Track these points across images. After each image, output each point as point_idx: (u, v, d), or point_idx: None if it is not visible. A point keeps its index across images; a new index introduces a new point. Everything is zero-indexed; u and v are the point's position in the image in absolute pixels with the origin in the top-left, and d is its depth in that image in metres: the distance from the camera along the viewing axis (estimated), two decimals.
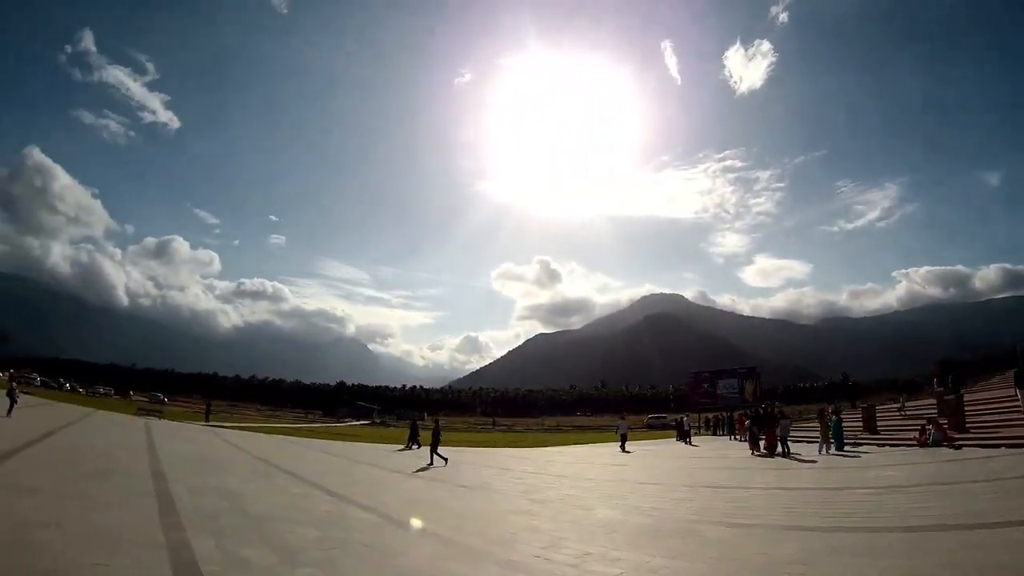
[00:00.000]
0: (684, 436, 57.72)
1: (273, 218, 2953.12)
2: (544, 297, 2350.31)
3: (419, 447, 42.45)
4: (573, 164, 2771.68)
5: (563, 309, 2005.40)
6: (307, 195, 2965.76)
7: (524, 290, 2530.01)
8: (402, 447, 45.52)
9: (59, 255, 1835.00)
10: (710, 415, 77.97)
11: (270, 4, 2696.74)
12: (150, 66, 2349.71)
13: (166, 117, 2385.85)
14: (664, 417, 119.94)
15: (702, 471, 31.48)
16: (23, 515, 11.88)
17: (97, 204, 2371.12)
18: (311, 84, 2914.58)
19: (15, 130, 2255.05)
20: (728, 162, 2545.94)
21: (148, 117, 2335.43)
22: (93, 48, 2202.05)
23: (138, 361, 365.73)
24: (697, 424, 72.33)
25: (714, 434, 69.73)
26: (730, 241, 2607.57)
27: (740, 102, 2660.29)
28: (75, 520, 12.13)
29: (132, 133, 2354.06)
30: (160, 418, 69.90)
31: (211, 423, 72.82)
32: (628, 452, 45.31)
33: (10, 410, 38.27)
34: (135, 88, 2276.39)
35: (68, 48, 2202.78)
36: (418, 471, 29.80)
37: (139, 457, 25.96)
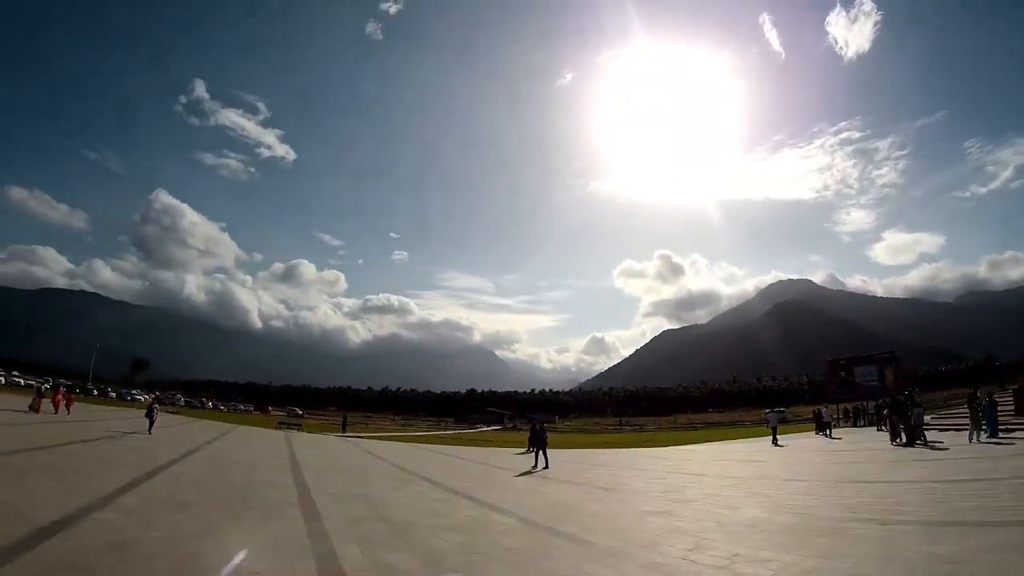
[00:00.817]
0: (823, 428, 55.65)
1: (393, 235, 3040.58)
2: (668, 292, 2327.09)
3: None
4: (685, 154, 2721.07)
5: (688, 303, 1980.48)
6: (424, 211, 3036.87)
7: (647, 287, 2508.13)
8: (522, 451, 45.65)
9: (194, 286, 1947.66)
10: (849, 405, 74.73)
11: (364, 32, 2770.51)
12: (260, 105, 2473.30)
13: (282, 151, 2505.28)
14: (783, 411, 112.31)
15: (846, 465, 29.95)
16: (175, 528, 12.35)
17: (225, 236, 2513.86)
18: (413, 103, 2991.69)
19: (143, 177, 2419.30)
20: (844, 134, 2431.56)
21: (265, 152, 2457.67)
22: (206, 95, 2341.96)
23: (274, 379, 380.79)
24: (836, 415, 69.27)
25: (854, 425, 66.99)
26: (855, 218, 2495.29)
27: (849, 69, 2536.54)
28: (225, 530, 12.57)
29: (252, 169, 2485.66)
30: (299, 431, 72.23)
31: (348, 434, 74.65)
32: (781, 446, 44.07)
33: (150, 428, 40.17)
34: (250, 127, 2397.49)
35: (183, 98, 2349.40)
36: (521, 474, 29.55)
37: (282, 469, 26.76)
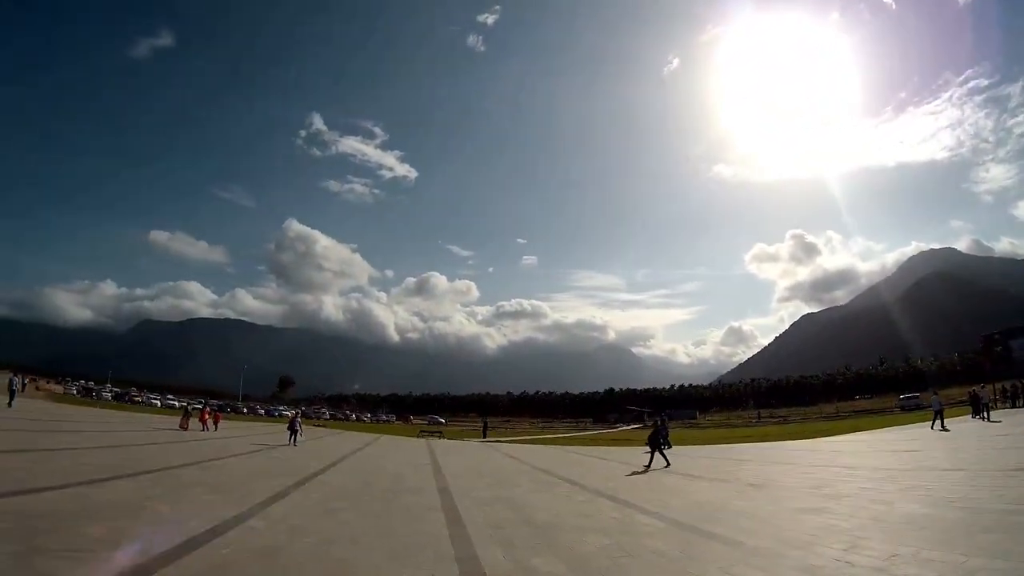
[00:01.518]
0: (980, 411, 51.79)
1: (521, 240, 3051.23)
2: (803, 274, 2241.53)
3: (668, 447, 41.45)
4: (806, 127, 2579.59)
5: (825, 284, 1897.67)
6: (549, 214, 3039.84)
7: (781, 270, 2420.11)
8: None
9: (332, 306, 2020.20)
10: (1007, 384, 66.99)
11: (466, 46, 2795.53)
12: (376, 130, 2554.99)
13: (403, 170, 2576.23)
14: (917, 397, 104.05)
15: (1007, 451, 27.45)
16: (326, 533, 12.72)
17: (357, 257, 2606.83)
18: (523, 108, 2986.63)
19: (274, 209, 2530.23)
20: (972, 83, 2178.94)
21: (387, 174, 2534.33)
22: (324, 127, 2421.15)
23: (414, 389, 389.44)
24: (993, 395, 62.45)
25: (1013, 405, 60.47)
26: (995, 174, 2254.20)
27: (966, 9, 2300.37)
28: (371, 536, 12.80)
29: (376, 191, 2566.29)
30: (440, 438, 73.51)
31: (488, 439, 75.34)
32: (947, 430, 41.61)
33: (292, 440, 42.24)
34: (369, 151, 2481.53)
35: (303, 132, 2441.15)
36: (632, 474, 28.83)
37: (425, 475, 27.19)
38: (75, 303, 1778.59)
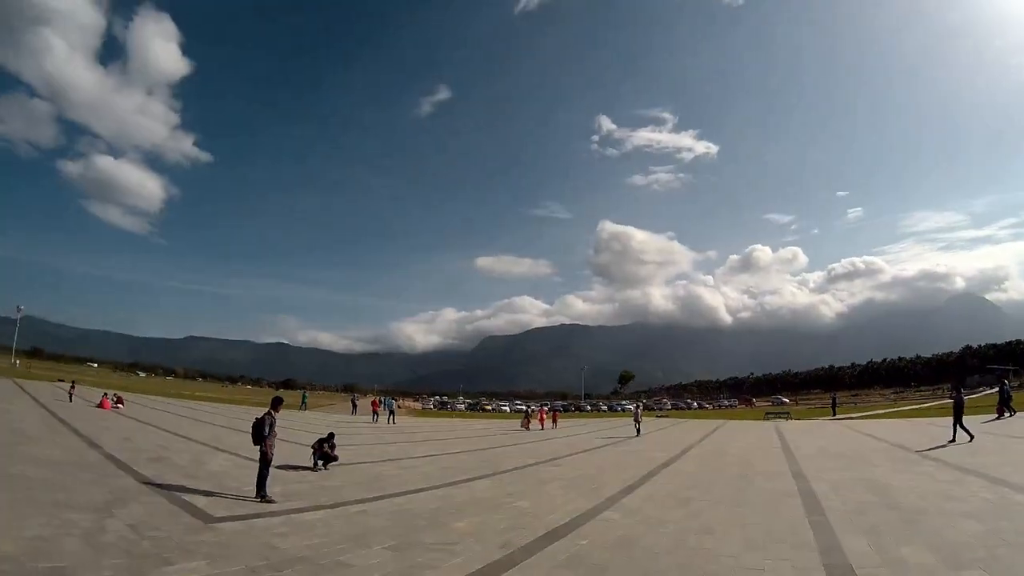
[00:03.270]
0: None
1: (842, 193, 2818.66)
2: None
3: (1011, 414, 36.15)
4: None
5: None
6: (867, 155, 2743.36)
7: None
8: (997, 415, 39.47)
9: (659, 297, 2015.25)
10: None
11: (723, 3, 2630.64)
12: (665, 115, 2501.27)
13: (702, 148, 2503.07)
14: None
15: None
16: (680, 523, 12.89)
17: (675, 244, 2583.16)
18: (801, 53, 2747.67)
19: (588, 214, 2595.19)
20: None
21: (687, 155, 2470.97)
22: (613, 127, 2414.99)
23: (753, 370, 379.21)
24: None
25: None
26: None
27: None
28: (727, 525, 12.70)
29: (681, 175, 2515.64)
30: (787, 419, 70.95)
31: (837, 416, 71.67)
32: None
33: (637, 431, 44.99)
34: (664, 137, 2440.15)
35: (595, 137, 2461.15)
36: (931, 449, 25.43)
37: (776, 458, 26.38)
38: (423, 331, 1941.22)
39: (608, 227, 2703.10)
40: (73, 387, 50.97)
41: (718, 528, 12.36)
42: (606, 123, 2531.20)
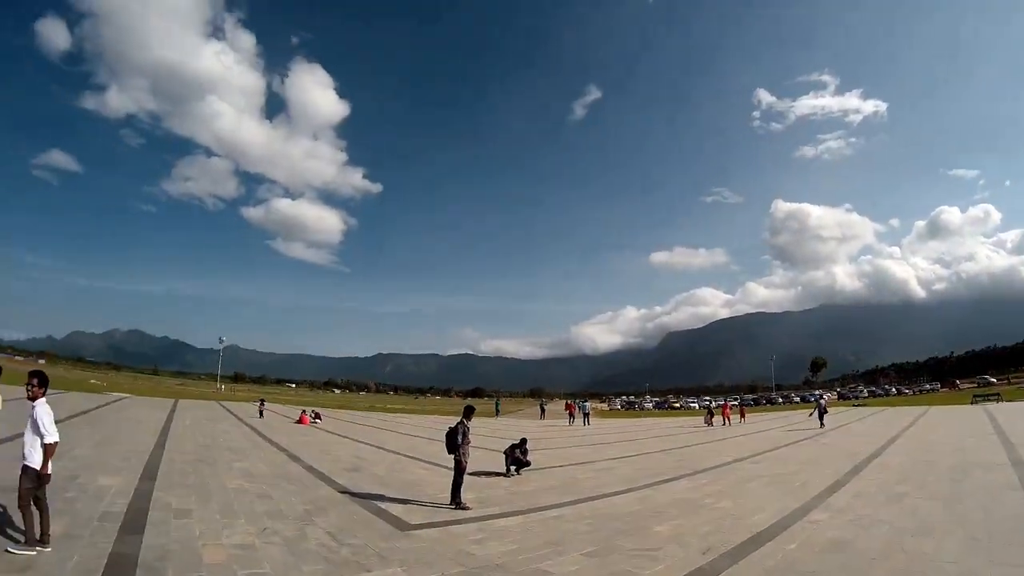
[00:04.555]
0: None
1: None
2: None
3: None
4: None
5: None
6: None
7: None
8: None
9: (843, 275, 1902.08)
10: None
11: None
12: (825, 78, 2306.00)
13: (870, 106, 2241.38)
14: None
15: None
16: (894, 523, 12.02)
17: (854, 216, 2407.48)
18: None
19: (759, 196, 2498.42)
20: None
21: (855, 117, 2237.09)
22: (772, 99, 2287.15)
23: (954, 347, 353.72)
24: None
25: None
26: None
27: None
28: (946, 523, 11.78)
29: (852, 139, 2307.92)
30: (998, 401, 66.01)
31: None
32: None
33: (820, 422, 43.92)
34: (828, 102, 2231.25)
35: (756, 114, 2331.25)
36: None
37: (990, 446, 24.66)
38: (604, 332, 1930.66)
39: (781, 206, 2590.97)
40: (262, 404, 54.02)
41: (937, 527, 11.44)
42: (765, 97, 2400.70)
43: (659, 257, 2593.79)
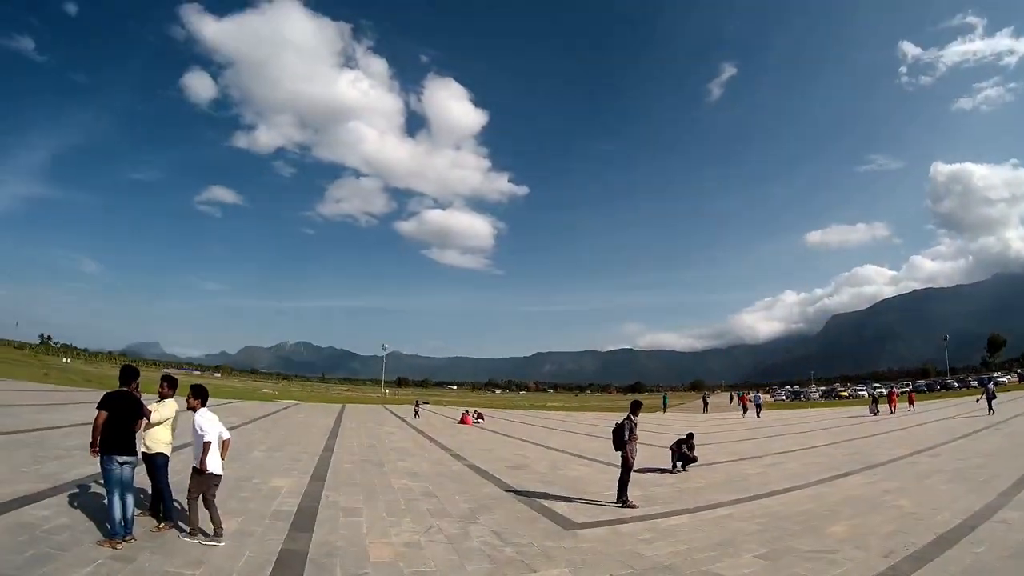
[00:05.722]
0: None
1: None
2: None
3: None
4: None
5: None
6: None
7: None
8: None
9: (1018, 240, 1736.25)
10: None
11: None
12: (971, 19, 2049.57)
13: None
14: None
15: None
16: None
17: (1021, 173, 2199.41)
18: None
19: (917, 159, 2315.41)
20: None
21: (1010, 60, 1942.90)
22: (918, 51, 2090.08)
23: None
24: None
25: None
26: None
27: None
28: None
29: (1010, 84, 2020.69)
30: None
31: None
32: None
33: (989, 408, 41.09)
34: (978, 46, 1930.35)
35: (903, 69, 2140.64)
36: None
37: None
38: (764, 320, 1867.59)
39: (942, 168, 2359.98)
40: (418, 405, 56.68)
41: None
42: (910, 49, 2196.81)
43: (815, 236, 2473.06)
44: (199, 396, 10.30)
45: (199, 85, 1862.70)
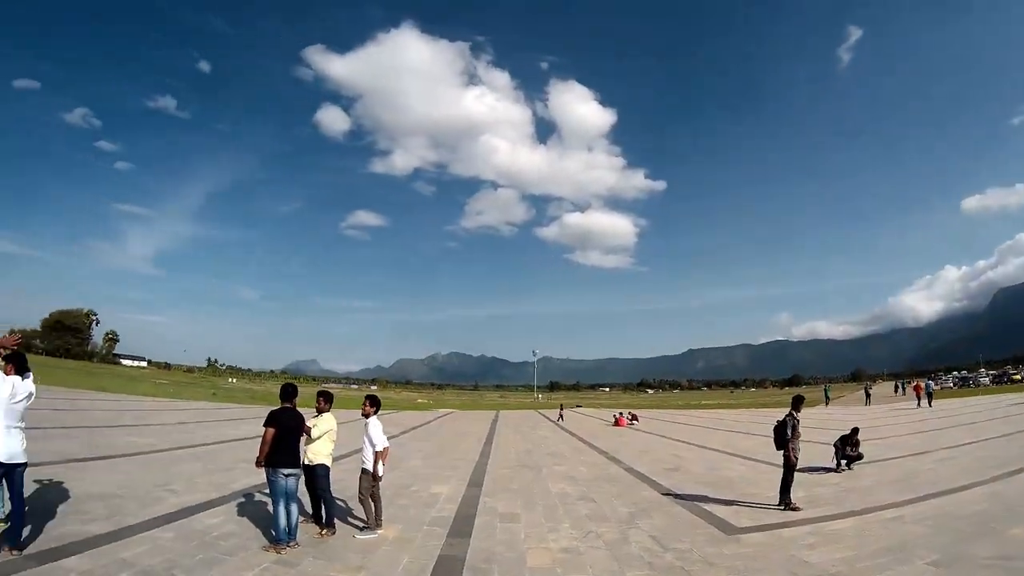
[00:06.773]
0: None
1: None
2: None
3: None
4: None
5: None
6: None
7: None
8: None
9: None
10: None
11: None
12: None
13: None
14: None
15: None
16: None
17: None
18: None
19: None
20: None
21: None
22: None
23: None
24: None
25: None
26: None
27: None
28: None
29: None
30: None
31: None
32: None
33: None
34: None
35: None
36: None
37: None
38: (924, 299, 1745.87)
39: None
40: (562, 408, 58.70)
41: None
42: None
43: (970, 202, 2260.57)
44: (374, 404, 11.56)
45: (332, 119, 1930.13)
